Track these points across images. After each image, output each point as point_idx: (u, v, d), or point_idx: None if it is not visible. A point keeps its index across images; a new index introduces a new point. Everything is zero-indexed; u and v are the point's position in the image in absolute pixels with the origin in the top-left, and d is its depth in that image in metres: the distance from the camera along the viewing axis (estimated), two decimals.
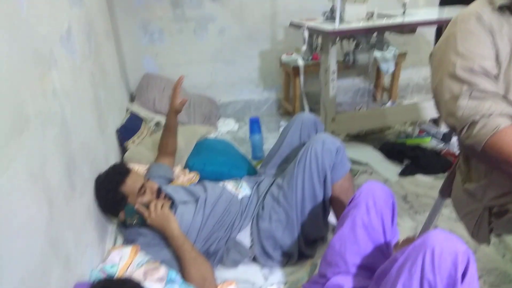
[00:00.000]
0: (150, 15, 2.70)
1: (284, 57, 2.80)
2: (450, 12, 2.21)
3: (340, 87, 3.18)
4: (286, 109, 3.05)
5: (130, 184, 1.39)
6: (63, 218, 1.02)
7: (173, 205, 1.47)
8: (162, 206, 1.37)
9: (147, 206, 1.38)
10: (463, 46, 1.03)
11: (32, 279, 0.78)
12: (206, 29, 2.82)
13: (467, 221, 1.20)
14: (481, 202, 1.11)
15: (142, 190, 1.42)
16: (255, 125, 2.25)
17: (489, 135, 0.94)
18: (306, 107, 2.58)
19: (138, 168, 1.77)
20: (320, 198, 1.46)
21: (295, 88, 2.77)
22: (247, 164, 1.96)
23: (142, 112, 2.33)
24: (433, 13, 2.31)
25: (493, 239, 1.56)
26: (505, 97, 1.00)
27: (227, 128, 2.76)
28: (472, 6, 1.12)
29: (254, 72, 3.05)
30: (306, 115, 1.69)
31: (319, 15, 2.29)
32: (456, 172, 1.27)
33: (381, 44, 2.18)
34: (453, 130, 1.08)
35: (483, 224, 1.14)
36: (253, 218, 1.53)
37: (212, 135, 2.29)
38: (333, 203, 1.51)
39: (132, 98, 2.65)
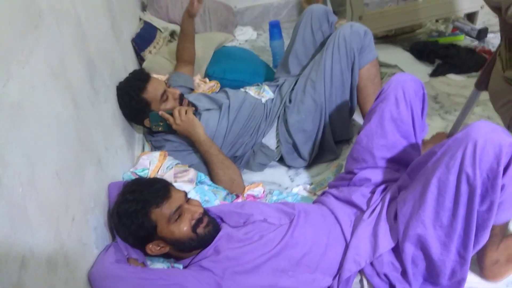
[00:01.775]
0: None
1: None
2: None
3: None
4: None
5: (152, 91, 1.37)
6: (90, 120, 1.02)
7: (196, 112, 1.45)
8: (186, 112, 1.36)
9: (171, 113, 1.37)
10: None
11: (66, 173, 0.80)
12: None
13: (504, 112, 1.14)
14: None
15: (164, 96, 1.39)
16: (275, 30, 2.12)
17: None
18: (330, 7, 2.40)
19: (158, 77, 1.73)
20: (348, 83, 1.44)
21: None
22: (267, 69, 1.90)
23: (155, 21, 2.22)
24: None
25: None
26: None
27: (245, 37, 2.62)
28: None
29: None
30: (315, 7, 1.59)
31: None
32: (496, 60, 1.17)
33: None
34: (497, 10, 0.97)
35: None
36: (279, 117, 1.51)
37: (230, 44, 2.18)
38: (360, 91, 1.48)
39: (144, 7, 2.52)
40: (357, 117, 1.66)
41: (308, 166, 1.53)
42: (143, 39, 1.96)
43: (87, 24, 1.16)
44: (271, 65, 2.16)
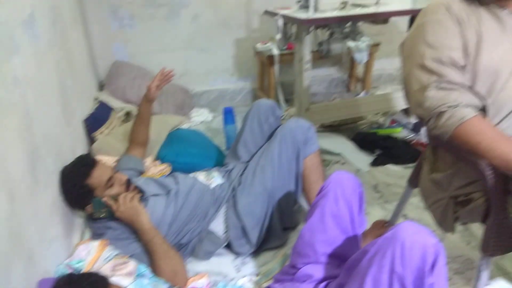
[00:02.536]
0: (120, 0, 2.61)
1: (259, 46, 2.77)
2: (423, 1, 2.23)
3: (315, 77, 3.18)
4: (263, 97, 3.03)
5: (97, 177, 1.35)
6: (26, 212, 0.98)
7: (143, 197, 1.44)
8: (131, 199, 1.34)
9: (116, 198, 1.35)
10: (432, 36, 1.04)
11: None
12: (179, 15, 2.75)
13: (434, 210, 1.23)
14: (447, 191, 1.14)
15: (110, 182, 1.38)
16: (229, 116, 2.23)
17: (455, 125, 0.96)
18: (281, 97, 2.58)
19: (107, 159, 1.72)
20: (293, 171, 1.56)
21: (270, 78, 2.75)
22: (219, 154, 1.95)
23: (111, 101, 2.26)
24: (407, 2, 2.33)
25: (459, 227, 1.62)
26: (471, 88, 1.03)
27: (201, 118, 2.72)
28: None
29: (229, 60, 3.01)
30: (263, 102, 1.74)
31: (294, 3, 2.27)
32: (423, 162, 1.29)
33: (354, 34, 2.19)
34: (421, 120, 1.10)
35: (449, 213, 1.17)
36: (228, 202, 1.54)
37: (185, 126, 2.25)
38: (304, 179, 1.59)
39: (101, 87, 2.57)
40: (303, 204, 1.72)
41: (255, 255, 1.52)
42: (96, 119, 1.97)
43: (35, 112, 1.16)
44: (225, 147, 2.23)
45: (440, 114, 0.99)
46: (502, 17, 1.04)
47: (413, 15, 2.34)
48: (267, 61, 2.69)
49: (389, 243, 0.85)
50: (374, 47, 2.89)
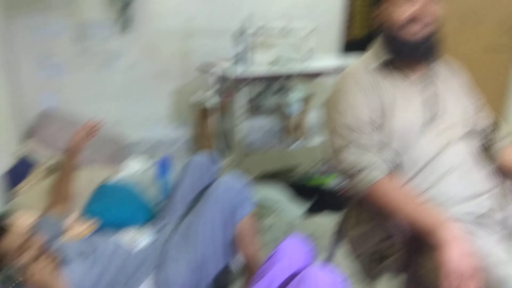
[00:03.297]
0: (52, 48, 2.53)
1: (196, 96, 2.81)
2: (351, 59, 2.43)
3: (252, 126, 3.26)
4: (199, 147, 3.02)
5: (8, 244, 1.23)
6: None
7: (61, 262, 1.32)
8: (45, 267, 1.22)
9: (28, 267, 1.22)
10: (344, 104, 1.13)
11: None
12: (113, 64, 2.72)
13: (360, 261, 1.27)
14: (369, 244, 1.19)
15: (24, 247, 1.26)
16: (163, 167, 2.18)
17: (367, 186, 1.02)
18: (219, 146, 2.59)
19: (25, 219, 1.58)
20: (227, 235, 1.45)
21: (208, 127, 2.77)
22: (150, 209, 1.88)
23: (37, 153, 2.13)
24: (335, 60, 2.52)
25: (386, 277, 1.67)
26: (388, 146, 1.11)
27: (135, 168, 2.63)
28: (352, 66, 1.24)
29: (166, 109, 3.00)
30: (198, 157, 1.69)
31: (231, 56, 2.33)
32: (349, 214, 1.35)
33: (287, 88, 2.31)
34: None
35: (373, 265, 1.21)
36: (155, 268, 1.45)
37: (116, 178, 2.15)
38: (239, 241, 1.50)
39: (27, 138, 2.41)
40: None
41: None
42: (17, 174, 1.83)
43: None
44: (159, 199, 2.15)
45: (355, 175, 1.05)
46: (407, 84, 1.16)
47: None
48: (204, 110, 2.72)
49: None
50: (307, 98, 3.05)
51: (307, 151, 2.63)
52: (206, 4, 2.88)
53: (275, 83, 2.26)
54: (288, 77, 2.23)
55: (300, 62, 2.30)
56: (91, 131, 1.67)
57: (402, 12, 1.09)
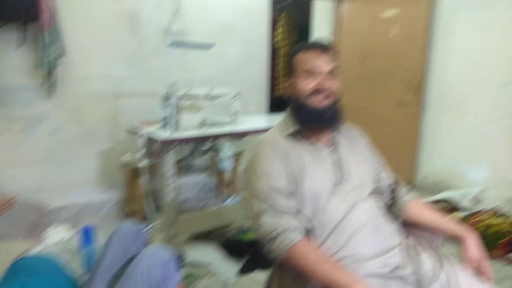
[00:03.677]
0: None
1: (125, 157, 2.77)
2: (275, 119, 2.58)
3: (185, 184, 3.25)
4: (130, 210, 2.93)
5: None
6: None
7: None
8: None
9: None
10: (261, 169, 1.21)
11: None
12: (36, 128, 2.62)
13: None
14: None
15: None
16: (87, 235, 2.07)
17: (285, 249, 1.08)
18: (150, 207, 2.53)
19: None
20: None
21: (138, 188, 2.71)
22: (73, 284, 1.75)
23: None
24: (261, 120, 2.66)
25: None
26: (300, 212, 1.18)
27: (57, 238, 2.46)
28: (268, 132, 1.34)
29: (93, 172, 2.90)
30: (125, 226, 1.64)
31: (160, 118, 2.37)
32: (274, 275, 1.38)
33: (216, 148, 2.37)
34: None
35: None
36: None
37: (34, 251, 1.99)
38: None
39: None
40: None
41: None
42: None
43: None
44: (82, 271, 2.02)
45: (274, 239, 1.10)
46: (315, 149, 1.27)
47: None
48: (134, 171, 2.68)
49: None
50: (238, 155, 3.14)
51: (240, 206, 2.67)
52: (134, 69, 2.94)
53: (204, 143, 2.32)
54: (216, 137, 2.31)
55: (227, 123, 2.41)
56: (5, 206, 1.57)
57: (307, 85, 1.23)
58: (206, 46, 2.66)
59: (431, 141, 3.70)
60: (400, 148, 3.85)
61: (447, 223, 1.31)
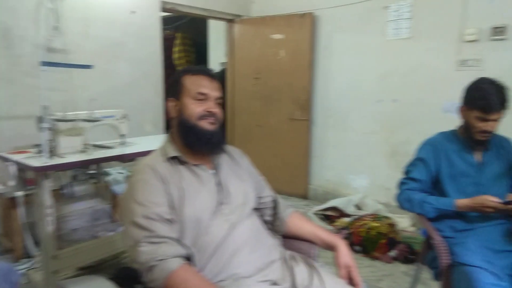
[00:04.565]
0: None
1: None
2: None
3: (74, 212, 2.97)
4: (6, 246, 2.58)
5: None
6: None
7: None
8: None
9: None
10: (141, 195, 1.17)
11: None
12: None
13: None
14: None
15: None
16: None
17: (164, 277, 1.05)
18: (29, 241, 2.27)
19: None
20: None
21: (16, 221, 2.41)
22: None
23: None
24: (155, 141, 2.56)
25: None
26: (182, 234, 1.16)
27: None
28: (149, 157, 1.30)
29: None
30: None
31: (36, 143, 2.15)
32: None
33: (104, 172, 2.23)
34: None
35: None
36: None
37: None
38: None
39: None
40: None
41: None
42: None
43: None
44: None
45: (151, 267, 1.06)
46: (198, 172, 1.27)
47: None
48: (9, 203, 2.38)
49: None
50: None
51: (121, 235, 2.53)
52: (6, 89, 2.65)
53: (88, 168, 2.16)
54: (102, 161, 2.17)
55: (116, 145, 2.29)
56: None
57: (198, 107, 1.25)
58: (83, 66, 2.51)
59: (320, 154, 4.00)
60: (295, 161, 4.09)
61: (322, 233, 1.41)
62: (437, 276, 1.69)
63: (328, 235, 1.40)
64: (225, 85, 4.45)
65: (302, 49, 3.83)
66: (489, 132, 1.67)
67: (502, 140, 1.80)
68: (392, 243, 2.81)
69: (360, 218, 3.13)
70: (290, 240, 1.47)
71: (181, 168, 1.26)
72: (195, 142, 1.26)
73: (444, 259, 1.55)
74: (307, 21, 3.75)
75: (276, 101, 4.10)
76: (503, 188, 1.72)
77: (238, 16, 4.24)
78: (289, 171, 4.14)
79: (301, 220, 1.47)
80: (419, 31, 3.14)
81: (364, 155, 3.66)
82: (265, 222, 1.45)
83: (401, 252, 2.73)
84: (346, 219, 3.23)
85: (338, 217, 3.35)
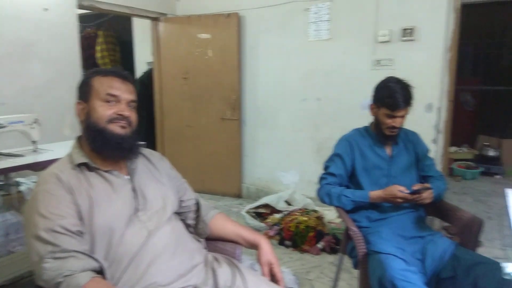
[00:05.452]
0: None
1: None
2: None
3: None
4: None
5: None
6: None
7: None
8: None
9: None
10: (44, 207, 1.08)
11: None
12: None
13: None
14: None
15: None
16: None
17: None
18: None
19: None
20: None
21: None
22: None
23: None
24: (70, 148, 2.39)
25: None
26: (93, 246, 1.10)
27: None
28: (54, 164, 1.21)
29: None
30: None
31: None
32: None
33: (11, 183, 2.04)
34: None
35: None
36: None
37: None
38: None
39: None
40: None
41: None
42: None
43: None
44: None
45: (58, 284, 0.99)
46: (110, 179, 1.21)
47: None
48: None
49: None
50: None
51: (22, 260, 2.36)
52: None
53: None
54: (9, 171, 1.99)
55: (28, 152, 2.11)
56: None
57: (108, 110, 1.18)
58: None
59: (251, 152, 4.05)
60: (227, 160, 4.09)
61: (245, 233, 1.43)
62: (356, 265, 1.79)
63: (251, 234, 1.42)
64: (152, 85, 4.32)
65: (230, 49, 3.84)
66: (397, 128, 1.80)
67: (409, 134, 1.96)
68: (320, 235, 2.94)
69: (290, 213, 3.23)
70: (214, 242, 1.47)
71: (91, 175, 1.19)
72: (104, 147, 1.19)
73: (360, 249, 1.65)
74: (233, 21, 3.76)
75: (206, 101, 4.07)
76: (412, 178, 1.88)
77: (163, 14, 4.13)
78: (222, 171, 4.14)
79: (224, 221, 1.47)
80: (337, 32, 3.31)
81: (293, 152, 3.78)
82: (188, 225, 1.43)
83: (328, 244, 2.86)
84: (277, 216, 3.31)
85: (270, 214, 3.42)
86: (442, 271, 1.56)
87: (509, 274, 0.90)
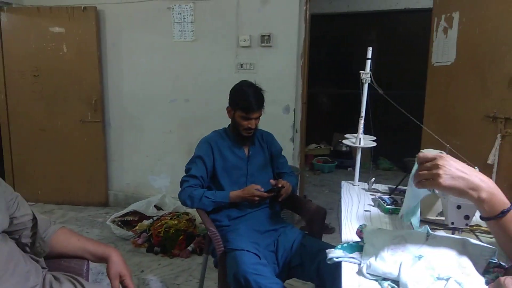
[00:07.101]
0: None
1: None
2: None
3: None
4: None
5: None
6: None
7: None
8: None
9: None
10: None
11: None
12: None
13: None
14: None
15: None
16: None
17: None
18: None
19: None
20: None
21: None
22: None
23: None
24: None
25: None
26: None
27: None
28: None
29: None
30: None
31: None
32: None
33: None
34: None
35: None
36: None
37: None
38: None
39: None
40: None
41: None
42: None
43: None
44: None
45: None
46: None
47: None
48: None
49: None
50: None
51: None
52: None
53: None
54: None
55: None
56: None
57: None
58: None
59: (118, 157, 3.81)
60: (91, 167, 3.77)
61: (91, 246, 1.32)
62: (216, 264, 1.83)
63: (98, 247, 1.32)
64: None
65: (88, 45, 3.54)
66: (253, 129, 1.89)
67: (264, 134, 2.08)
68: (190, 237, 2.92)
69: (160, 218, 3.13)
70: (57, 260, 1.32)
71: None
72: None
73: (218, 248, 1.69)
74: (90, 16, 3.47)
75: (62, 101, 3.68)
76: (268, 176, 1.99)
77: (7, 4, 3.59)
78: (84, 179, 3.80)
79: (68, 236, 1.33)
80: (202, 35, 3.33)
81: (164, 154, 3.68)
82: (24, 244, 1.25)
83: (198, 245, 2.87)
84: (147, 222, 3.18)
85: (139, 221, 3.26)
86: (292, 259, 1.69)
87: (331, 258, 1.01)
